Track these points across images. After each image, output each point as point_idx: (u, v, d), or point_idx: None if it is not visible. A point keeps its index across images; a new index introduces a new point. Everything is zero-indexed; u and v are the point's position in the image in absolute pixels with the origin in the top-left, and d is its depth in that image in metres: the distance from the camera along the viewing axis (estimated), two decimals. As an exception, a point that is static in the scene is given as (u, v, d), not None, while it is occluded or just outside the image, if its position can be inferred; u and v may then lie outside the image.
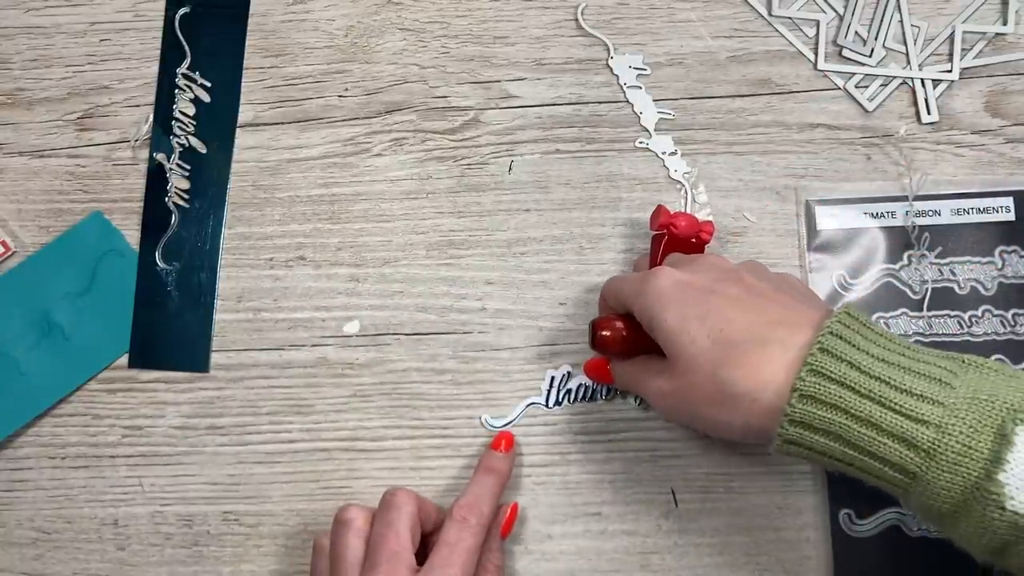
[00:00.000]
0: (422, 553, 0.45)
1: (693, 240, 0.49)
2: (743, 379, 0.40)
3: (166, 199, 0.54)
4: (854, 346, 0.39)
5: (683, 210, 0.52)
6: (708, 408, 0.41)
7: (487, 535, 0.47)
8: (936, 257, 0.52)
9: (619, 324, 0.46)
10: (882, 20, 0.54)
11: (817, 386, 0.38)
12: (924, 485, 0.37)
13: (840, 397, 0.38)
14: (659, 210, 0.49)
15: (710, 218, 0.52)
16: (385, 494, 0.47)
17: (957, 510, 0.37)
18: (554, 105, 0.54)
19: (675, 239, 0.48)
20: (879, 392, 0.37)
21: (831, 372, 0.38)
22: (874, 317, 0.51)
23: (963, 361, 0.39)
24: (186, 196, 0.54)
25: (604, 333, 0.46)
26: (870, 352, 0.39)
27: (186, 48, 0.55)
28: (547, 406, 0.52)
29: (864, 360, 0.38)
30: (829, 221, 0.52)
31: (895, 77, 0.54)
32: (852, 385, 0.38)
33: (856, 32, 0.54)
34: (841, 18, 0.54)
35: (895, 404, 0.37)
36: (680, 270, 0.44)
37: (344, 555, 0.45)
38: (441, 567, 0.43)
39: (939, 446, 0.36)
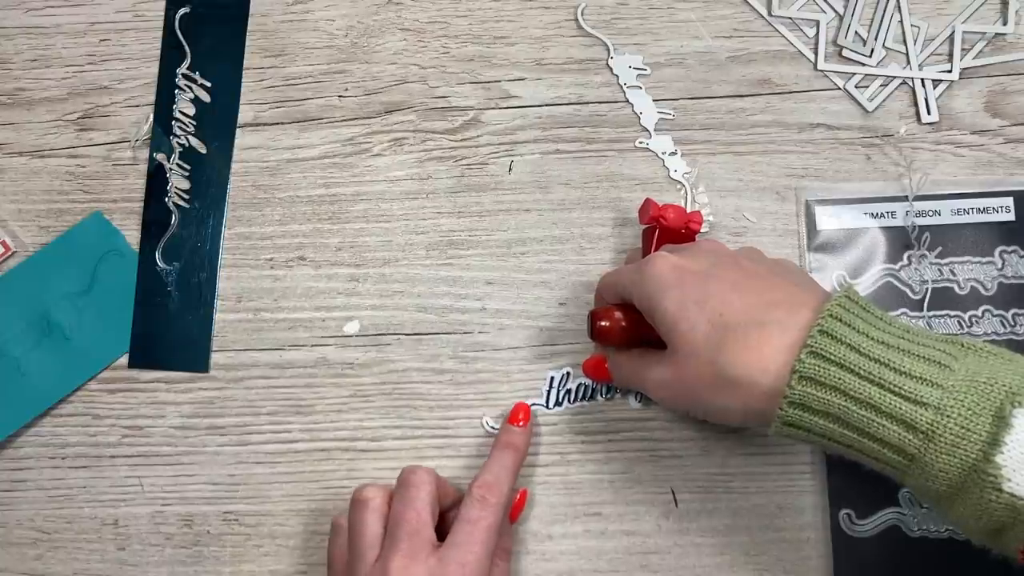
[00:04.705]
0: (439, 531, 0.45)
1: (683, 231, 0.49)
2: (743, 362, 0.40)
3: (166, 199, 0.54)
4: (854, 328, 0.39)
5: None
6: (709, 394, 0.41)
7: None
8: (936, 257, 0.52)
9: (617, 314, 0.46)
10: (882, 20, 0.54)
11: (817, 368, 0.38)
12: (922, 467, 0.37)
13: (840, 379, 0.38)
14: (647, 203, 0.49)
15: (711, 218, 0.52)
16: (403, 472, 0.47)
17: (955, 492, 0.37)
18: (554, 105, 0.54)
19: (666, 231, 0.48)
20: (879, 374, 0.37)
21: (831, 354, 0.38)
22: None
23: (962, 344, 0.39)
24: (186, 196, 0.54)
25: (603, 323, 0.46)
26: (870, 335, 0.39)
27: (186, 48, 0.55)
28: (547, 407, 0.52)
29: (864, 342, 0.38)
30: (829, 221, 0.52)
31: (895, 77, 0.53)
32: (852, 367, 0.38)
33: (856, 32, 0.54)
34: (841, 18, 0.54)
35: (894, 386, 0.37)
36: (677, 256, 0.44)
37: (363, 533, 0.45)
38: (463, 544, 0.43)
39: (938, 428, 0.36)
